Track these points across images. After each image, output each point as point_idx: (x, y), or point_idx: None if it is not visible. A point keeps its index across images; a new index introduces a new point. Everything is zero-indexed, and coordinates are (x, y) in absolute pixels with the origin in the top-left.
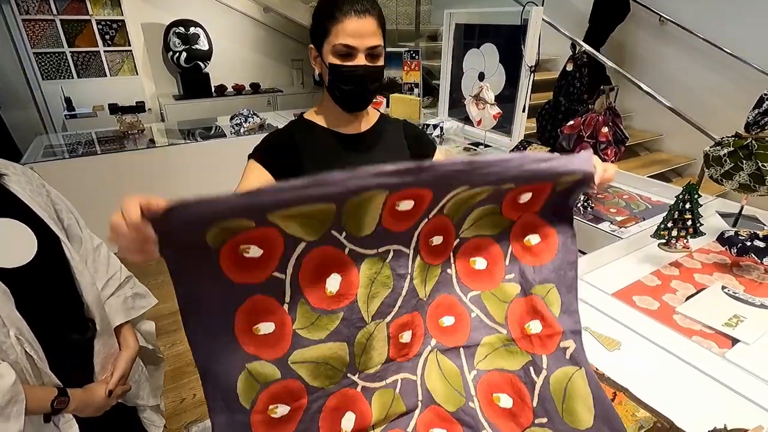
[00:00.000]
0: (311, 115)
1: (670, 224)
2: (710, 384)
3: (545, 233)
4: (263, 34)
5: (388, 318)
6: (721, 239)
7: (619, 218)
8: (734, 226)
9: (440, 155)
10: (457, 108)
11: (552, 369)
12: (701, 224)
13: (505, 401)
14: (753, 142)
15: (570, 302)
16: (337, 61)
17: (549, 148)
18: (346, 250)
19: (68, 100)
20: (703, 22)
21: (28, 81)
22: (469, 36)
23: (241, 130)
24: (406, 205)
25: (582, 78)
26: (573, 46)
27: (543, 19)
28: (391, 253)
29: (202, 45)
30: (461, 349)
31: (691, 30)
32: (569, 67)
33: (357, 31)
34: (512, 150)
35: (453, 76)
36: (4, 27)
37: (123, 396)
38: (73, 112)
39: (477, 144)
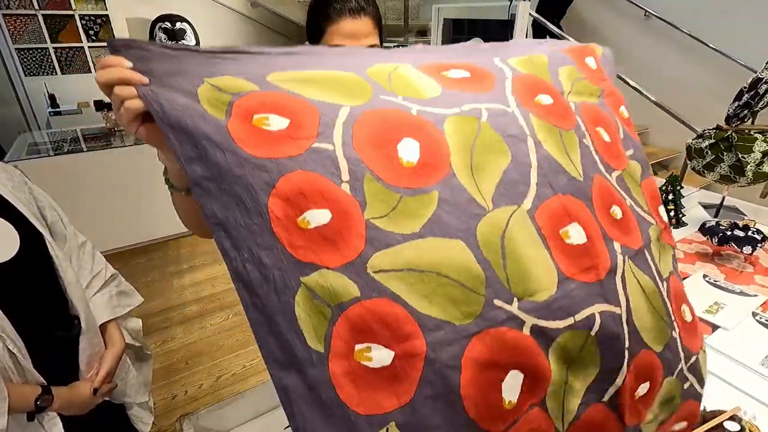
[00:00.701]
0: None
1: None
2: None
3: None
4: (251, 29)
5: (526, 203)
6: (703, 229)
7: None
8: (716, 216)
9: None
10: None
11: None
12: (684, 215)
13: (687, 313)
14: (733, 134)
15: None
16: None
17: None
18: (414, 111)
19: (52, 97)
20: (688, 17)
21: (10, 78)
22: (458, 31)
23: None
24: (457, 73)
25: None
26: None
27: (530, 14)
28: (485, 112)
29: (189, 40)
30: (645, 253)
31: (675, 24)
32: None
33: (352, 33)
34: None
35: None
36: None
37: (109, 394)
38: (57, 109)
39: None
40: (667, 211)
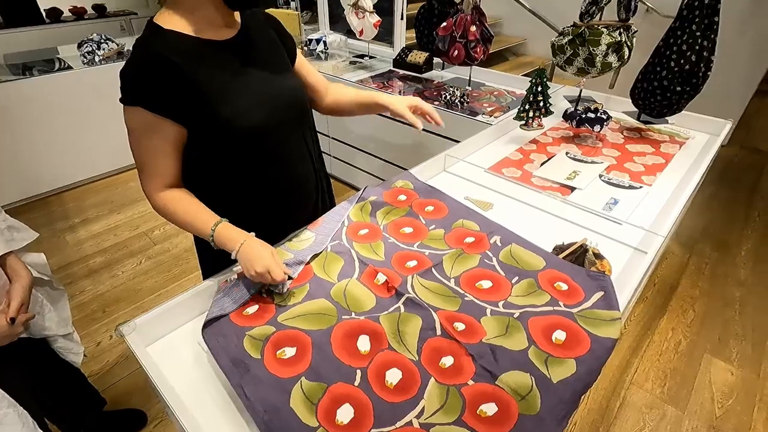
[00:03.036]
0: (170, 23)
1: (527, 107)
2: (556, 221)
3: (437, 206)
4: None
5: (354, 276)
6: (565, 115)
7: (489, 110)
8: (576, 106)
9: (300, 55)
10: (338, 23)
11: (496, 255)
12: (551, 104)
13: (486, 284)
14: (585, 29)
15: (479, 219)
16: None
17: (428, 53)
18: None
19: None
20: None
21: None
22: None
23: (96, 59)
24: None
25: None
26: None
27: None
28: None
29: None
30: (432, 269)
31: None
32: None
33: None
34: (395, 59)
35: None
36: None
37: (27, 325)
38: None
39: (362, 56)
40: (537, 102)
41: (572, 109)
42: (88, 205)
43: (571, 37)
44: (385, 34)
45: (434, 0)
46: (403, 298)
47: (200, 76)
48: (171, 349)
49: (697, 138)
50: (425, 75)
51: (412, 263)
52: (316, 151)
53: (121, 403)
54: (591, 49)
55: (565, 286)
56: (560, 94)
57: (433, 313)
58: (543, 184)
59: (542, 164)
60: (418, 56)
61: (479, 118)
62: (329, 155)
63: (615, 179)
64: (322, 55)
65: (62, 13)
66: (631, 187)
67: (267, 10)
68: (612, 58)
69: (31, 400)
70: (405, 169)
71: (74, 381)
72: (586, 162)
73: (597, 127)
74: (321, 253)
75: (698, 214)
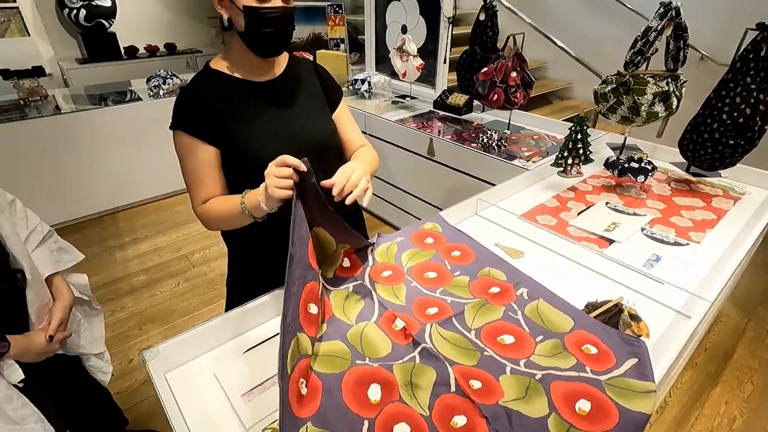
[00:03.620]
0: (218, 64)
1: (565, 153)
2: (591, 275)
3: (465, 251)
4: None
5: (373, 319)
6: (606, 164)
7: (527, 154)
8: (620, 155)
9: (344, 107)
10: (383, 63)
11: (522, 308)
12: (591, 152)
13: (508, 339)
14: (630, 78)
15: (507, 268)
16: (253, 3)
17: (468, 96)
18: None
19: None
20: None
21: None
22: None
23: (161, 92)
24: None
25: (494, 27)
26: None
27: None
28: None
29: (104, 1)
30: (452, 318)
31: None
32: (482, 17)
33: None
34: (435, 100)
35: (378, 30)
36: None
37: (64, 342)
38: None
39: (404, 96)
40: (577, 149)
41: (615, 157)
42: (138, 225)
43: (614, 85)
44: (428, 76)
45: (477, 46)
46: (419, 348)
47: (228, 108)
48: (189, 378)
49: (755, 193)
50: (465, 116)
51: (433, 310)
52: None
53: (143, 423)
54: (636, 98)
55: (594, 350)
56: (603, 141)
57: (448, 367)
58: (579, 235)
59: (579, 213)
60: (459, 98)
61: (516, 162)
62: None
63: (659, 234)
64: (366, 95)
65: (138, 50)
66: (676, 244)
67: (320, 63)
68: (659, 108)
69: (58, 417)
70: (440, 209)
71: (101, 399)
72: (627, 213)
73: (641, 178)
74: (342, 291)
75: (758, 276)
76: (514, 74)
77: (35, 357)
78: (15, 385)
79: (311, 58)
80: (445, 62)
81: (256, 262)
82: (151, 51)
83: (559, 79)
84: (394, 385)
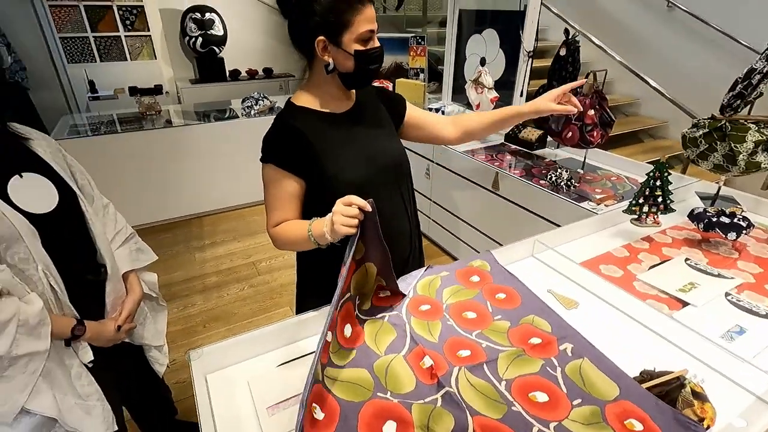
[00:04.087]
0: (300, 100)
1: (641, 200)
2: (654, 339)
3: (511, 294)
4: (276, 19)
5: (402, 353)
6: (691, 215)
7: (599, 197)
8: (711, 206)
9: (411, 106)
10: (460, 93)
11: (563, 365)
12: (671, 200)
13: (541, 397)
14: (727, 124)
15: (554, 319)
16: (362, 47)
17: (542, 132)
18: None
19: (91, 83)
20: (713, 9)
21: (54, 64)
22: (473, 22)
23: (252, 112)
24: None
25: (575, 63)
26: (566, 31)
27: (542, 4)
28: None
29: (218, 30)
30: (484, 365)
31: (699, 17)
32: (562, 52)
33: (372, 17)
34: (507, 133)
35: (457, 61)
36: (32, 13)
37: (130, 333)
38: (96, 95)
39: None
40: (655, 197)
41: (701, 209)
42: (219, 230)
43: (707, 130)
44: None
45: (555, 81)
46: (443, 390)
47: (317, 141)
48: (226, 382)
49: None
50: (537, 152)
51: (465, 353)
52: (411, 208)
53: (191, 416)
54: (733, 145)
55: (639, 426)
56: (692, 189)
57: (469, 417)
58: (647, 291)
59: (652, 267)
60: (531, 133)
61: (585, 204)
62: (428, 217)
63: (747, 302)
64: None
65: (240, 73)
66: None
67: (399, 90)
68: (762, 158)
69: (117, 398)
70: (501, 244)
71: (156, 387)
72: (710, 274)
73: (732, 234)
74: (378, 321)
75: None
76: (591, 112)
77: (105, 342)
78: (85, 365)
79: (391, 86)
80: (522, 95)
81: (318, 280)
82: (251, 74)
83: (652, 116)
84: (410, 426)
